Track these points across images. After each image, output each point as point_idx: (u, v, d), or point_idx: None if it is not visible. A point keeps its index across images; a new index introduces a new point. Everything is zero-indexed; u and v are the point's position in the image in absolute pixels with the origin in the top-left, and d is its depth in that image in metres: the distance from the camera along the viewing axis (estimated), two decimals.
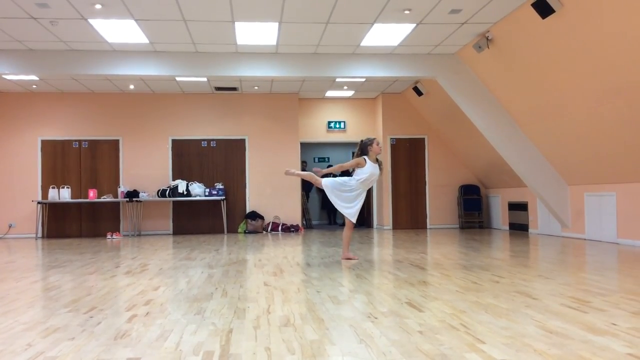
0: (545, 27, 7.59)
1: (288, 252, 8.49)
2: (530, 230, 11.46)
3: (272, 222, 12.94)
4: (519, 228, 11.92)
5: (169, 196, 12.55)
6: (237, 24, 8.46)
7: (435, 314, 3.85)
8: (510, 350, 2.96)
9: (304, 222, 14.13)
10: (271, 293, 4.80)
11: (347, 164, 7.16)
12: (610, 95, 7.53)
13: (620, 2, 6.37)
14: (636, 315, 3.72)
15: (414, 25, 8.60)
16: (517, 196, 11.93)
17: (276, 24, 8.47)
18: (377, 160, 7.07)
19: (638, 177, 8.28)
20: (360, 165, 6.98)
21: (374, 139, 7.10)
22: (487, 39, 8.91)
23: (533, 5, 7.42)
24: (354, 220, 7.03)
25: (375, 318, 3.75)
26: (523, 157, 10.18)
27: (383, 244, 9.75)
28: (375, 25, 8.58)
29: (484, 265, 6.49)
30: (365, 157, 6.99)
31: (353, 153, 7.40)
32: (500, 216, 12.85)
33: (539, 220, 11.08)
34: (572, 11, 7.07)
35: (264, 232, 12.83)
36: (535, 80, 8.79)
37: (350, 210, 7.00)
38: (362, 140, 7.13)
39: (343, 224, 15.57)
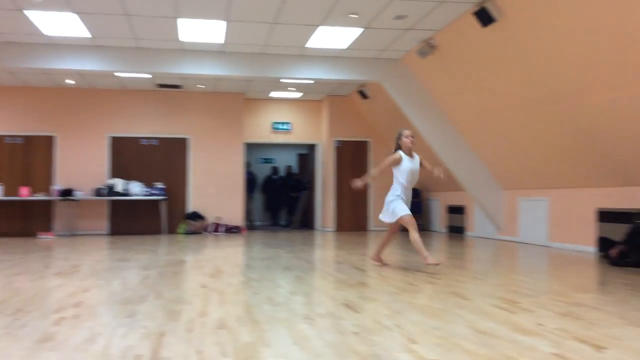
0: (485, 35, 7.80)
1: (228, 253, 8.39)
2: (467, 232, 11.76)
3: (214, 223, 12.77)
4: (456, 230, 12.21)
5: (106, 195, 12.19)
6: (180, 20, 8.30)
7: (371, 314, 3.88)
8: (441, 350, 3.01)
9: (247, 223, 14.02)
10: (208, 295, 4.72)
11: (384, 164, 6.33)
12: (544, 104, 7.82)
13: (556, 16, 6.62)
14: (562, 316, 3.86)
15: (362, 29, 8.67)
16: (455, 200, 12.22)
17: (224, 22, 8.36)
18: (411, 154, 6.34)
19: (568, 183, 8.62)
20: (396, 163, 6.25)
21: (404, 130, 6.37)
22: (431, 45, 9.08)
23: (475, 14, 7.61)
24: (399, 216, 6.15)
25: (312, 319, 3.75)
26: (462, 162, 10.43)
27: (325, 246, 9.78)
28: (321, 28, 8.61)
29: (421, 266, 6.60)
30: (401, 152, 6.29)
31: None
32: (439, 219, 13.13)
33: (476, 223, 11.38)
34: (512, 22, 7.30)
35: (206, 232, 12.64)
36: (476, 87, 9.03)
37: (384, 214, 6.41)
38: (397, 134, 6.43)
39: (286, 226, 15.62)
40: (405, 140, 6.32)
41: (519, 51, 7.57)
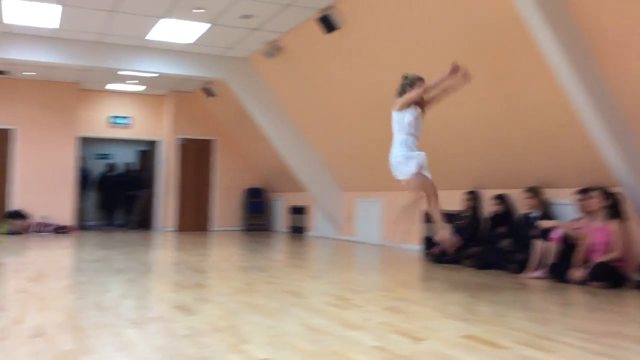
0: (329, 42, 8.06)
1: (55, 255, 7.76)
2: (308, 232, 12.09)
3: (41, 222, 11.74)
4: (298, 231, 12.49)
5: None
6: (4, 1, 7.52)
7: (205, 316, 3.82)
8: (272, 348, 3.04)
9: (79, 222, 13.09)
10: (26, 300, 4.31)
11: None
12: (380, 111, 8.26)
13: (393, 27, 7.05)
14: (387, 310, 4.11)
15: (208, 25, 8.51)
16: (298, 200, 12.50)
17: (59, 7, 7.70)
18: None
19: (400, 186, 9.19)
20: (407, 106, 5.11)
21: (417, 78, 5.20)
22: (277, 47, 9.18)
23: (319, 20, 7.83)
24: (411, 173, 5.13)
25: (141, 324, 3.59)
26: (305, 164, 10.70)
27: (163, 247, 9.46)
28: (163, 20, 8.31)
29: (261, 266, 6.65)
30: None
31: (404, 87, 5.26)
32: (282, 219, 13.34)
33: (316, 223, 11.75)
34: (353, 30, 7.63)
35: (30, 233, 11.58)
36: (318, 91, 9.31)
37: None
38: (407, 77, 5.27)
39: (123, 226, 14.84)
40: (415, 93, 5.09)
41: (359, 58, 7.94)
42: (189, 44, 9.50)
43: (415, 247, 8.74)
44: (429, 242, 7.75)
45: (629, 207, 5.63)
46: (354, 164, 9.85)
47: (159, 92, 13.35)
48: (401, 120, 5.22)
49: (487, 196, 7.37)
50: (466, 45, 6.21)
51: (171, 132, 13.19)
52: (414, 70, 5.31)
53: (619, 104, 5.27)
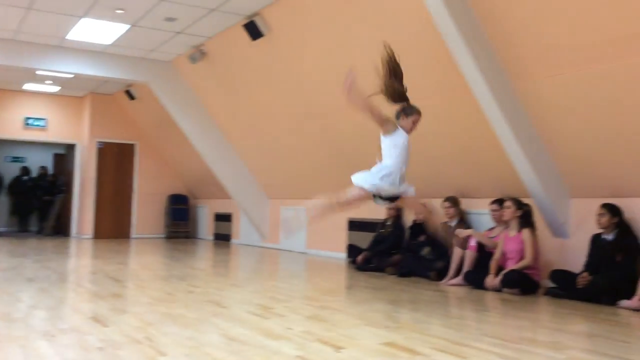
0: (254, 49, 8.03)
1: None
2: (233, 240, 11.94)
3: None
4: (223, 238, 12.32)
5: None
6: None
7: (121, 328, 3.68)
8: None
9: None
10: None
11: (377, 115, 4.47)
12: (307, 119, 8.32)
13: (315, 39, 7.12)
14: (309, 319, 4.11)
15: (129, 26, 8.27)
16: (223, 207, 12.33)
17: None
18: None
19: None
20: (387, 129, 4.49)
21: (415, 110, 4.53)
22: (202, 52, 9.05)
23: (244, 26, 7.79)
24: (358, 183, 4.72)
25: (52, 336, 3.42)
26: (230, 170, 10.57)
27: (80, 255, 9.06)
28: (84, 20, 7.99)
29: (182, 275, 6.50)
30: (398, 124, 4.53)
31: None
32: (206, 226, 13.12)
33: (241, 230, 11.63)
34: (278, 38, 7.64)
35: None
36: (244, 98, 9.24)
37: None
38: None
39: (37, 232, 14.08)
40: (408, 123, 4.54)
41: (283, 67, 7.95)
42: (107, 45, 9.19)
43: (339, 254, 8.82)
44: (353, 250, 7.85)
45: (538, 218, 5.93)
46: (280, 171, 9.85)
47: (78, 94, 12.83)
48: (388, 145, 4.56)
49: None
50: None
51: (89, 135, 12.69)
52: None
53: (530, 119, 5.56)
